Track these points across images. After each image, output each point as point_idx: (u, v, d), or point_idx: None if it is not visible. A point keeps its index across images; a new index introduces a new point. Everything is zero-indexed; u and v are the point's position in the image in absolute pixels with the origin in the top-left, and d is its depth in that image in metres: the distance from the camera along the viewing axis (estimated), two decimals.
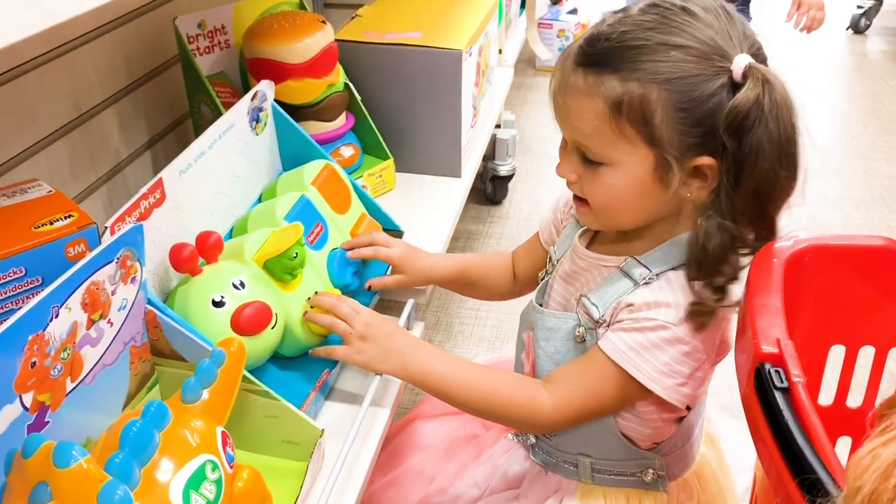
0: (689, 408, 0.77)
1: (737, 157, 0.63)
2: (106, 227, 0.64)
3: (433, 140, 1.19)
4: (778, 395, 0.53)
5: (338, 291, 0.81)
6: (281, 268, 0.75)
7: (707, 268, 0.67)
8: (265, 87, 0.89)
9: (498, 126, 1.80)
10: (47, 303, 0.54)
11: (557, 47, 2.62)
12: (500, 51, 1.73)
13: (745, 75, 0.63)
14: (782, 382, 0.53)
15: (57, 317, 0.55)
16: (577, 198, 0.73)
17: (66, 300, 0.56)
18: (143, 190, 0.69)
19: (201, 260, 0.73)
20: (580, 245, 0.77)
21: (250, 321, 0.70)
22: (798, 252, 0.67)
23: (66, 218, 0.61)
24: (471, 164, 1.26)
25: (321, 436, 0.69)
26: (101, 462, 0.51)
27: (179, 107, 1.12)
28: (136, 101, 1.03)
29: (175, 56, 1.07)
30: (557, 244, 0.83)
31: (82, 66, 0.92)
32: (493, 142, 1.79)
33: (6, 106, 0.82)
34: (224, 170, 0.83)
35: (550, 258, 0.83)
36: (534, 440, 0.82)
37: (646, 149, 0.66)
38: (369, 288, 0.89)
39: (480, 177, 1.89)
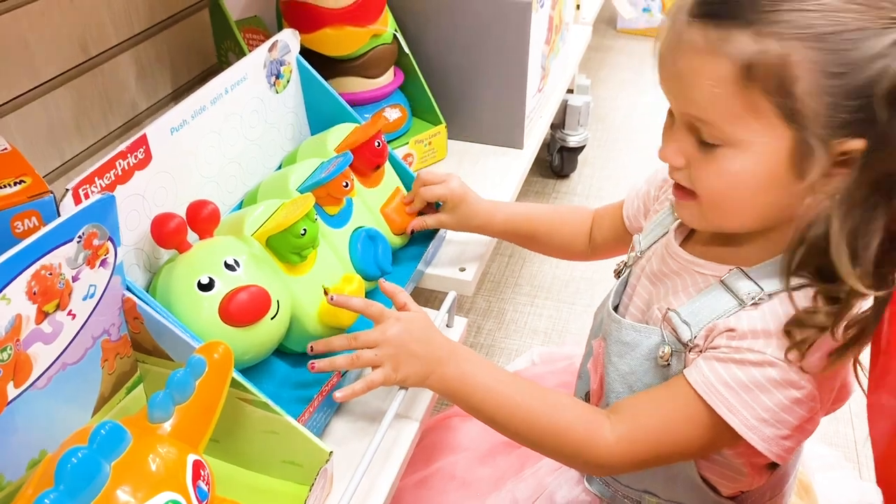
0: None
1: (886, 133, 0.48)
2: (67, 190, 0.52)
3: (493, 104, 1.04)
4: None
5: (359, 278, 0.68)
6: (286, 246, 0.62)
7: (803, 262, 0.53)
8: (288, 37, 0.75)
9: (570, 91, 1.64)
10: None
11: (643, 7, 2.40)
12: (578, 6, 1.56)
13: None
14: None
15: None
16: (677, 188, 0.58)
17: (2, 289, 0.45)
18: (121, 147, 0.57)
19: (195, 235, 0.61)
20: (674, 241, 0.63)
21: (242, 309, 0.58)
22: None
23: (15, 184, 0.50)
24: (535, 134, 1.10)
25: (329, 459, 0.58)
26: (37, 494, 0.40)
27: (210, 55, 1.00)
28: (158, 46, 0.92)
29: None
30: (645, 231, 0.68)
31: (93, 3, 0.81)
32: (564, 108, 1.62)
33: None
34: (234, 131, 0.71)
35: (633, 248, 0.68)
36: None
37: (783, 127, 0.50)
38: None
39: (547, 147, 1.73)
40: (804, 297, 0.54)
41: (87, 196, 0.55)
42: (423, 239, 0.82)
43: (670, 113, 0.58)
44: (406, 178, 0.83)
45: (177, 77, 0.96)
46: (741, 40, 0.49)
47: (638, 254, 0.67)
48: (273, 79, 0.75)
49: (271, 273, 0.62)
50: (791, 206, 0.54)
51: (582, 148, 1.71)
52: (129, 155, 0.58)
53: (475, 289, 0.86)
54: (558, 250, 0.82)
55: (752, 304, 0.55)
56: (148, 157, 0.60)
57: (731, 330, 0.55)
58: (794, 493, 0.70)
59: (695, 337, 0.57)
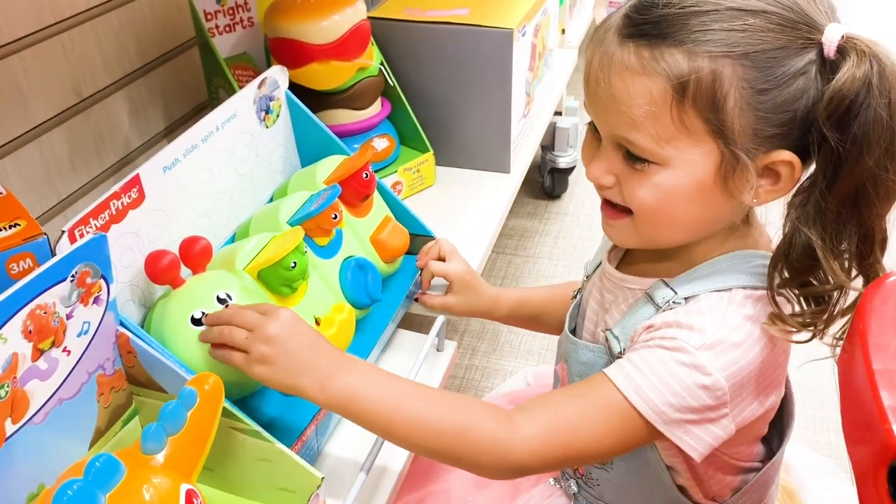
0: (764, 461, 0.64)
1: (839, 151, 0.51)
2: (63, 232, 0.54)
3: (479, 131, 1.06)
4: None
5: (349, 307, 0.70)
6: (277, 279, 0.64)
7: (791, 278, 0.55)
8: (276, 74, 0.78)
9: (558, 113, 1.66)
10: None
11: None
12: (563, 31, 1.59)
13: (840, 50, 0.51)
14: None
15: None
16: (608, 207, 0.60)
17: None
18: (115, 188, 0.59)
19: (188, 271, 0.63)
20: (608, 263, 0.65)
21: None
22: None
23: (10, 227, 0.52)
24: (522, 159, 1.12)
25: (320, 485, 0.59)
26: None
27: (201, 91, 1.03)
28: (150, 85, 0.94)
29: (195, 36, 0.98)
30: (592, 258, 0.71)
31: (84, 46, 0.83)
32: (553, 131, 1.65)
33: None
34: (226, 166, 0.73)
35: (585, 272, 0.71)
36: (576, 489, 0.71)
37: (711, 143, 0.53)
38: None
39: (538, 168, 1.75)
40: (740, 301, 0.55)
41: (82, 236, 0.57)
42: (412, 266, 0.84)
43: (592, 132, 0.59)
44: (394, 207, 0.84)
45: (169, 114, 0.99)
46: (675, 59, 0.51)
47: (585, 278, 0.69)
48: (263, 114, 0.77)
49: None
50: (718, 219, 0.57)
51: (572, 169, 1.73)
52: (122, 195, 0.60)
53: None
54: (559, 329, 0.81)
55: (667, 308, 0.57)
56: (141, 197, 0.62)
57: (649, 327, 0.56)
58: (777, 500, 0.71)
59: (623, 350, 0.58)
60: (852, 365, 0.46)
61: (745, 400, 0.56)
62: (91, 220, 0.58)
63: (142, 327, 0.61)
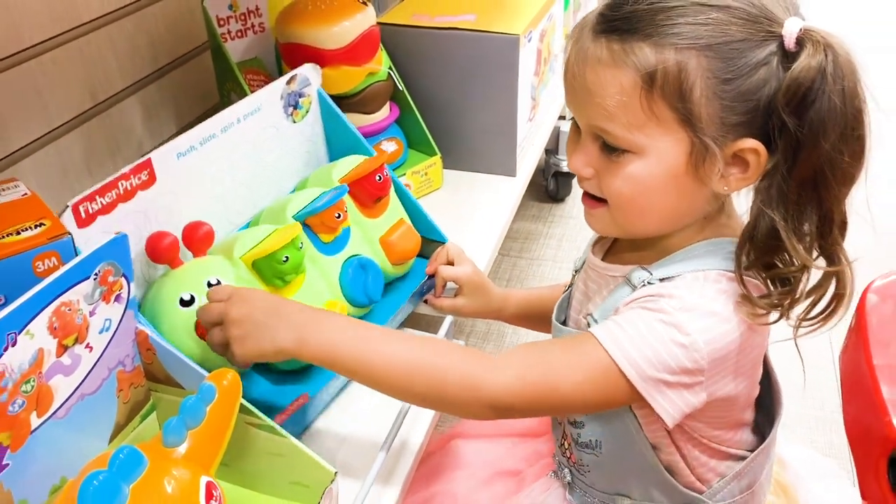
0: (754, 450, 0.66)
1: (797, 136, 0.54)
2: (67, 206, 0.56)
3: (485, 135, 1.08)
4: None
5: (343, 305, 0.72)
6: (270, 271, 0.66)
7: (756, 259, 0.58)
8: (308, 72, 0.80)
9: (562, 118, 1.68)
10: (1, 329, 0.46)
11: None
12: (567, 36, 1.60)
13: (799, 41, 0.54)
14: None
15: (14, 345, 0.47)
16: (587, 197, 0.63)
17: (26, 325, 0.48)
18: (125, 169, 0.60)
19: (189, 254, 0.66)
20: (593, 255, 0.68)
21: None
22: None
23: (36, 227, 0.53)
24: (527, 162, 1.14)
25: (333, 479, 0.60)
26: None
27: (213, 96, 1.04)
28: (163, 89, 0.96)
29: (207, 41, 1.00)
30: (582, 252, 0.73)
31: (100, 51, 0.85)
32: (557, 135, 1.66)
33: (11, 93, 0.75)
34: (247, 157, 0.75)
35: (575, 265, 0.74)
36: (570, 478, 0.73)
37: (681, 132, 0.56)
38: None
39: (542, 172, 1.77)
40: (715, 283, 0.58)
41: (87, 212, 0.58)
42: (423, 269, 0.85)
43: (574, 127, 0.62)
44: (412, 211, 0.85)
45: (181, 118, 1.00)
46: (643, 51, 0.54)
47: (574, 272, 0.72)
48: (291, 109, 0.79)
49: None
50: (693, 208, 0.60)
51: None
52: (132, 176, 0.61)
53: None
54: None
55: (642, 286, 0.60)
56: (152, 179, 0.63)
57: (629, 302, 0.59)
58: (770, 492, 0.72)
59: None
60: (854, 360, 0.48)
61: (721, 373, 0.58)
62: (97, 196, 0.59)
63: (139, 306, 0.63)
